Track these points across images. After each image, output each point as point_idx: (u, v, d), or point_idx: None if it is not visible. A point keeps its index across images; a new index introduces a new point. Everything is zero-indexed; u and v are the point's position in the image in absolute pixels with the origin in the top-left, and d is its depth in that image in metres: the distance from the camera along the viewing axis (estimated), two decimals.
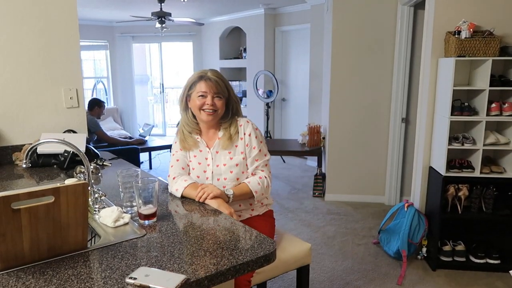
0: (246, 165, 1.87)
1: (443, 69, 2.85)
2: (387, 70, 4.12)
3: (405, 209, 3.08)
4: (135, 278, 1.04)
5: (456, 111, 2.76)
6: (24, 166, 1.58)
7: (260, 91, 6.45)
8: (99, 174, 2.10)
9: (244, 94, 7.31)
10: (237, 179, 1.85)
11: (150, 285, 1.01)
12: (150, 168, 6.22)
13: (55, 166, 2.29)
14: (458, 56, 2.70)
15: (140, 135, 6.14)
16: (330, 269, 2.99)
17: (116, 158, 2.53)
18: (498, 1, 2.83)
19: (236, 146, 1.86)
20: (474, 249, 2.97)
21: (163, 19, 5.53)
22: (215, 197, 1.68)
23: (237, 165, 1.84)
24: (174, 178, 1.82)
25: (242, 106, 6.95)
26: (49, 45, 2.46)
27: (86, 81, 7.91)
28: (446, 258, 2.95)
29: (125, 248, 1.24)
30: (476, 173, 2.79)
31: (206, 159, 1.87)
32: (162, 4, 5.43)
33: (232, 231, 1.38)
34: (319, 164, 4.71)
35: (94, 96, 7.59)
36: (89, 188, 1.57)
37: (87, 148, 2.34)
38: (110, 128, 6.88)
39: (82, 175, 1.91)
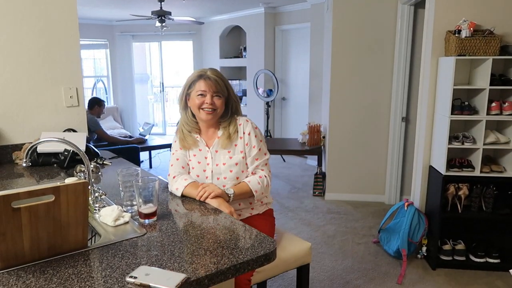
0: (246, 164, 1.87)
1: (443, 68, 2.85)
2: (387, 69, 4.12)
3: (405, 208, 3.08)
4: (135, 277, 1.03)
5: (456, 110, 2.76)
6: (24, 165, 1.58)
7: (260, 90, 6.45)
8: (99, 173, 2.10)
9: (244, 93, 7.31)
10: (237, 178, 1.85)
11: (151, 284, 1.01)
12: (150, 167, 6.22)
13: (55, 165, 2.29)
14: (458, 55, 2.70)
15: (140, 134, 6.13)
16: (330, 268, 2.99)
17: (116, 157, 2.53)
18: (498, 1, 2.83)
19: (236, 145, 1.86)
20: (474, 248, 2.97)
21: (163, 18, 5.53)
22: (216, 197, 1.68)
23: (236, 164, 1.84)
24: (174, 177, 1.82)
25: (242, 105, 6.96)
26: (49, 44, 2.46)
27: (86, 80, 7.91)
28: (446, 257, 2.96)
29: (125, 247, 1.24)
30: (476, 172, 2.79)
31: (206, 158, 1.87)
32: (162, 3, 5.43)
33: (232, 230, 1.38)
34: (319, 163, 4.71)
35: (94, 95, 7.58)
36: (89, 187, 1.57)
37: (87, 147, 2.34)
38: (110, 127, 6.88)
39: (82, 174, 1.91)
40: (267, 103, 6.45)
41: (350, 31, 4.13)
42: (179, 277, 1.04)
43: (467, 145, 2.78)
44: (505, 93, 2.86)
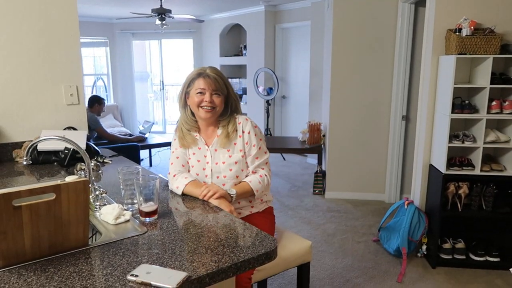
0: (246, 162, 1.87)
1: (444, 67, 2.85)
2: (388, 68, 4.12)
3: (405, 206, 3.08)
4: (136, 276, 1.04)
5: (456, 109, 2.76)
6: (24, 163, 1.58)
7: (260, 89, 6.45)
8: (100, 171, 2.10)
9: (244, 91, 7.31)
10: (237, 176, 1.85)
11: (152, 283, 1.01)
12: (150, 165, 6.22)
13: (55, 163, 2.29)
14: (459, 54, 2.70)
15: (140, 132, 6.13)
16: (330, 267, 2.99)
17: (117, 155, 2.53)
18: None
19: (235, 144, 1.85)
20: (474, 247, 2.97)
21: (163, 16, 5.52)
22: (219, 197, 1.68)
23: (236, 163, 1.84)
24: (174, 176, 1.82)
25: (242, 103, 6.97)
26: (49, 43, 2.45)
27: (86, 78, 7.90)
28: (446, 256, 2.96)
29: (126, 245, 1.25)
30: (476, 171, 2.79)
31: (205, 156, 1.87)
32: (162, 1, 5.42)
33: (233, 228, 1.38)
34: (319, 162, 4.71)
35: (94, 93, 7.58)
36: (90, 185, 1.57)
37: (87, 145, 2.34)
38: (110, 125, 6.88)
39: (82, 172, 1.91)
40: (267, 101, 6.45)
41: (350, 29, 4.12)
42: (180, 275, 1.04)
43: (467, 144, 2.79)
44: (505, 92, 2.85)
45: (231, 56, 7.58)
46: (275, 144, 4.83)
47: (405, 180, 4.29)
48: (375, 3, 4.02)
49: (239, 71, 7.69)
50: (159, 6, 5.46)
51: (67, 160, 2.22)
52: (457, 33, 2.73)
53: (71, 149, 2.23)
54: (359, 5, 4.06)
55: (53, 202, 1.13)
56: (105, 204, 1.55)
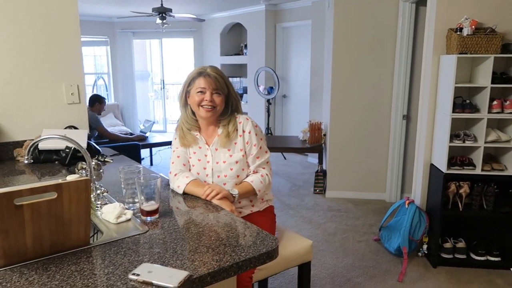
0: (247, 162, 1.87)
1: (445, 66, 2.85)
2: (388, 67, 4.11)
3: (406, 206, 3.08)
4: (138, 275, 1.04)
5: (457, 108, 2.76)
6: (26, 162, 1.58)
7: (261, 88, 6.45)
8: (101, 171, 2.10)
9: (245, 90, 7.31)
10: (238, 176, 1.85)
11: (153, 282, 1.01)
12: (151, 164, 6.23)
13: (56, 162, 2.29)
14: (460, 53, 2.69)
15: (141, 131, 6.14)
16: (331, 266, 2.99)
17: (118, 155, 2.53)
18: None
19: (235, 143, 1.85)
20: (474, 247, 2.97)
21: (163, 15, 5.52)
22: (222, 198, 1.68)
23: (236, 162, 1.84)
24: (175, 175, 1.82)
25: (243, 102, 6.97)
26: (50, 42, 2.45)
27: (87, 77, 7.89)
28: (447, 255, 2.96)
29: (127, 244, 1.25)
30: (477, 171, 2.79)
31: (206, 156, 1.87)
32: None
33: (234, 227, 1.38)
34: (320, 161, 4.71)
35: (95, 92, 7.58)
36: (91, 184, 1.57)
37: (88, 144, 2.34)
38: (111, 124, 6.88)
39: (84, 171, 1.91)
40: (268, 100, 6.45)
41: (351, 28, 4.12)
42: (182, 274, 1.04)
43: (468, 143, 2.78)
44: (506, 91, 2.85)
45: (231, 55, 7.58)
46: (275, 143, 4.84)
47: (406, 180, 4.29)
48: (376, 2, 4.02)
49: (240, 70, 7.69)
50: (160, 5, 5.45)
51: (68, 159, 2.22)
52: (458, 33, 2.72)
53: (72, 148, 2.23)
54: (360, 4, 4.06)
55: (54, 201, 1.13)
56: (106, 203, 1.55)
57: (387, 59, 4.10)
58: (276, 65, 6.65)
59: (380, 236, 3.32)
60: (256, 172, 1.88)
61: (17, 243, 1.10)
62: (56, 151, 2.28)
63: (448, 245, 2.96)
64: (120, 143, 4.66)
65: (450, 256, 2.96)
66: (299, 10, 6.10)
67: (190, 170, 1.90)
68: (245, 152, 1.86)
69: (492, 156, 2.98)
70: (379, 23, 4.05)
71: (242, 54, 7.38)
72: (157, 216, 1.47)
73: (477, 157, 2.81)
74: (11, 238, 1.08)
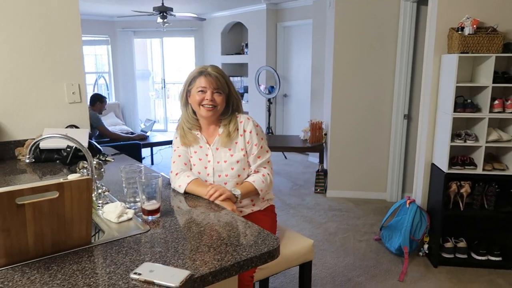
0: (248, 161, 1.87)
1: (446, 66, 2.84)
2: (390, 66, 4.11)
3: (407, 205, 3.08)
4: (139, 274, 1.04)
5: (458, 108, 2.76)
6: (27, 161, 1.59)
7: (262, 87, 6.44)
8: (102, 170, 2.11)
9: (246, 90, 7.30)
10: (238, 175, 1.85)
11: (155, 281, 1.01)
12: (152, 163, 6.23)
13: (57, 161, 2.29)
14: (461, 53, 2.69)
15: (141, 131, 6.13)
16: (332, 265, 2.99)
17: (119, 154, 2.53)
18: None
19: (236, 143, 1.85)
20: (475, 246, 2.97)
21: (164, 14, 5.52)
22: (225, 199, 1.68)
23: (237, 161, 1.84)
24: (176, 174, 1.82)
25: (243, 102, 6.97)
26: (51, 41, 2.45)
27: (88, 76, 7.90)
28: (448, 255, 2.96)
29: (129, 243, 1.25)
30: (479, 170, 2.79)
31: (207, 155, 1.87)
32: None
33: (235, 227, 1.38)
34: (321, 161, 4.71)
35: (96, 91, 7.58)
36: (92, 183, 1.56)
37: (89, 143, 2.34)
38: (112, 123, 6.89)
39: (85, 170, 1.91)
40: (269, 100, 6.44)
41: (352, 28, 4.12)
42: (183, 273, 1.04)
43: (469, 143, 2.78)
44: (508, 91, 2.85)
45: (232, 54, 7.58)
46: (276, 142, 4.83)
47: (407, 179, 4.28)
48: (377, 2, 4.02)
49: (241, 69, 7.68)
50: (161, 4, 5.45)
51: (70, 158, 2.22)
52: (459, 32, 2.72)
53: (73, 148, 2.23)
54: (361, 4, 4.05)
55: (56, 200, 1.13)
56: (107, 203, 1.55)
57: (388, 58, 4.10)
58: (277, 64, 6.65)
59: (381, 235, 3.32)
60: (257, 171, 1.88)
61: (18, 242, 1.10)
62: (58, 150, 2.28)
63: (449, 244, 2.96)
64: (121, 142, 4.66)
65: (451, 256, 2.96)
66: (300, 9, 6.10)
67: (191, 169, 1.90)
68: (246, 151, 1.86)
69: (493, 156, 2.98)
70: (380, 23, 4.05)
71: (243, 53, 7.38)
72: (158, 215, 1.47)
73: (478, 157, 2.80)
74: (13, 237, 1.09)
